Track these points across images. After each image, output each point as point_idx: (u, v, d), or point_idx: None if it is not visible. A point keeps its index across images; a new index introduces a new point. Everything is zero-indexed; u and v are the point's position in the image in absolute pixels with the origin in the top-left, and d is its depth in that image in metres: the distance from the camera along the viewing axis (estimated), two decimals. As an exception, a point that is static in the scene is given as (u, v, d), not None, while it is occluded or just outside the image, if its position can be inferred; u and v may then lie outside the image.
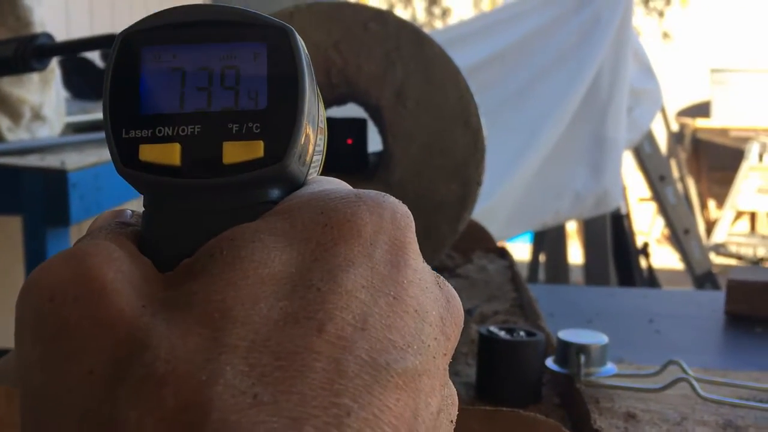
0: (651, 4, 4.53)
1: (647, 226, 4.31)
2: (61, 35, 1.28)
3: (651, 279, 2.56)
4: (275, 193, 0.24)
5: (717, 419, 0.55)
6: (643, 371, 0.62)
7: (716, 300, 0.96)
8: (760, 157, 4.11)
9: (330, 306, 0.20)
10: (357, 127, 0.73)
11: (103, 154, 1.57)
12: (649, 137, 2.39)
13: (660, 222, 4.03)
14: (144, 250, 0.23)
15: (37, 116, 1.69)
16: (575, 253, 2.93)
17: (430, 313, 0.22)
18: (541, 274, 2.76)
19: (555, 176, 2.13)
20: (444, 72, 0.65)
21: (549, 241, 2.57)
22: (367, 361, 0.19)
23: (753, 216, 4.47)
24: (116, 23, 2.38)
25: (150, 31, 0.24)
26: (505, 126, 2.06)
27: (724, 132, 4.25)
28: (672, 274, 3.55)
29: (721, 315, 0.91)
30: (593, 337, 0.59)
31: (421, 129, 0.66)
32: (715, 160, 4.63)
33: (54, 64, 1.68)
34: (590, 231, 2.39)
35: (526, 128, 2.09)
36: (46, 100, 1.65)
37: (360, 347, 0.19)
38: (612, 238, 2.37)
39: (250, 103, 0.23)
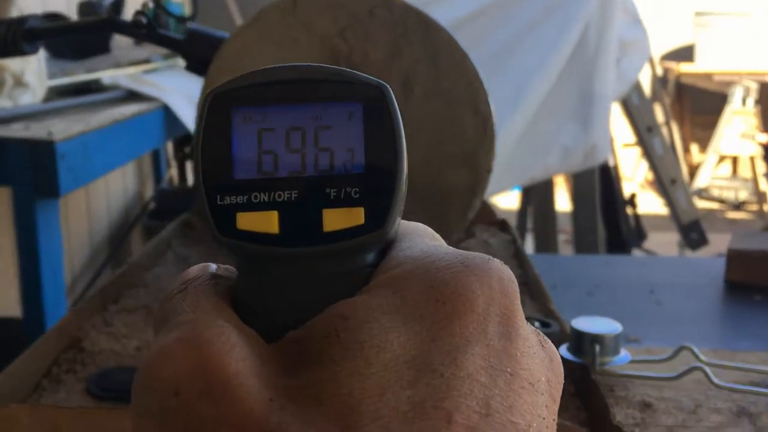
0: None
1: (631, 171, 4.33)
2: (37, 10, 1.24)
3: (638, 228, 2.58)
4: (373, 255, 0.23)
5: (730, 406, 0.56)
6: (655, 356, 0.62)
7: (715, 267, 0.97)
8: (743, 101, 4.12)
9: (454, 393, 0.20)
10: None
11: (91, 121, 1.54)
12: (637, 88, 2.38)
13: (644, 167, 4.05)
14: (243, 315, 0.22)
15: (19, 83, 1.65)
16: (563, 201, 2.95)
17: (541, 381, 0.22)
18: (530, 223, 2.77)
19: (543, 131, 2.12)
20: (452, 58, 0.64)
21: (537, 190, 2.58)
22: None
23: (735, 160, 4.50)
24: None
25: (239, 91, 0.23)
26: (491, 83, 2.04)
27: (707, 76, 4.24)
28: (657, 220, 3.58)
29: (720, 283, 0.92)
30: (607, 326, 0.60)
31: (430, 116, 0.65)
32: (699, 105, 4.63)
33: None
34: (578, 182, 2.40)
35: (514, 84, 2.07)
36: (27, 66, 1.61)
37: None
38: (600, 189, 2.38)
39: (348, 166, 0.23)
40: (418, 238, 0.24)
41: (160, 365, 0.20)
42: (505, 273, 0.22)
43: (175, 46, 0.74)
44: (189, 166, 2.87)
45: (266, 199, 0.22)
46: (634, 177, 4.36)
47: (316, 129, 0.23)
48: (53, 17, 1.97)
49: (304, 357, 0.21)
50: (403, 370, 0.20)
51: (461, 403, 0.19)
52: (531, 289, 0.80)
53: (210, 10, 2.59)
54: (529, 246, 2.80)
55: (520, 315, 0.22)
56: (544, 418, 0.21)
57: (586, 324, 0.60)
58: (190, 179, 2.88)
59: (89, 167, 1.51)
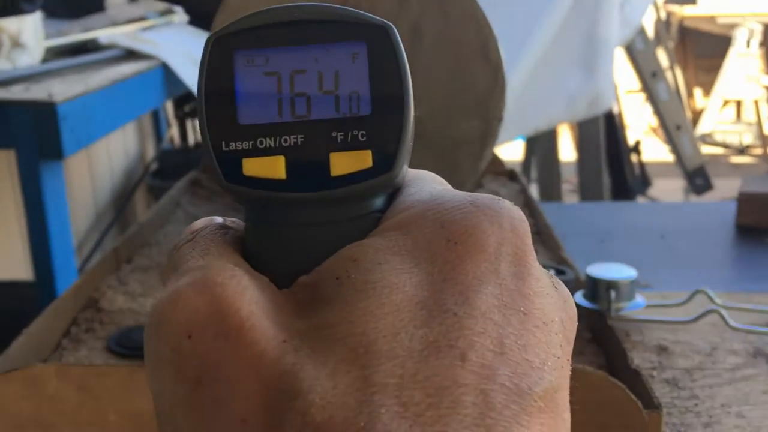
0: None
1: (635, 118, 4.31)
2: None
3: (643, 176, 2.57)
4: (381, 200, 0.23)
5: (746, 347, 0.57)
6: (670, 301, 0.63)
7: (725, 211, 0.97)
8: (748, 43, 4.07)
9: (468, 332, 0.20)
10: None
11: (90, 82, 1.53)
12: (641, 33, 2.35)
13: (648, 112, 4.02)
14: (253, 264, 0.22)
15: (16, 44, 1.63)
16: (567, 150, 2.93)
17: (555, 321, 0.21)
18: (534, 173, 2.77)
19: (547, 79, 2.09)
20: (461, 6, 0.63)
21: (541, 139, 2.56)
22: (511, 389, 0.19)
23: (739, 104, 4.46)
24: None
25: (240, 34, 0.22)
26: (495, 30, 2.02)
27: (711, 19, 4.19)
28: (662, 167, 3.57)
29: (731, 227, 0.92)
30: (622, 272, 0.60)
31: (440, 66, 0.64)
32: (702, 48, 4.58)
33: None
34: (583, 131, 2.38)
35: (518, 32, 2.05)
36: (24, 26, 1.59)
37: (502, 374, 0.19)
38: (604, 136, 2.37)
39: (353, 108, 0.22)
40: (426, 183, 0.24)
41: (172, 309, 0.20)
42: (515, 213, 0.22)
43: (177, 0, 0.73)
44: (189, 125, 2.86)
45: (272, 144, 0.22)
46: (639, 124, 4.33)
47: (321, 71, 0.22)
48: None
49: (316, 300, 0.21)
50: (416, 310, 0.20)
51: (475, 342, 0.19)
52: (542, 237, 0.80)
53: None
54: (533, 194, 2.79)
55: (532, 255, 0.22)
56: (558, 357, 0.21)
57: (600, 270, 0.60)
58: (191, 138, 2.86)
59: (91, 128, 1.50)
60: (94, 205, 2.37)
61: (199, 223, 0.25)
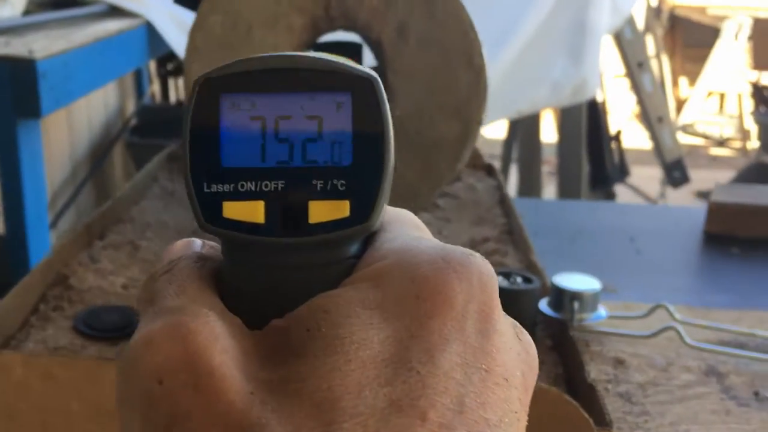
0: None
1: (619, 103, 4.32)
2: None
3: (621, 164, 2.59)
4: (355, 247, 0.24)
5: (700, 364, 0.58)
6: (631, 313, 0.64)
7: (694, 217, 0.99)
8: (736, 36, 4.09)
9: (430, 391, 0.20)
10: (352, 51, 0.71)
11: (72, 39, 1.51)
12: (630, 22, 2.35)
13: (633, 100, 4.04)
14: (227, 301, 0.23)
15: (-2, -4, 1.60)
16: (549, 132, 2.94)
17: (516, 375, 0.22)
18: (515, 153, 2.78)
19: (533, 64, 2.09)
20: (447, 9, 0.63)
21: (523, 120, 2.57)
22: None
23: (722, 96, 4.49)
24: None
25: (229, 78, 0.23)
26: (485, 12, 2.00)
27: (701, 9, 4.19)
28: (642, 154, 3.60)
29: (699, 234, 0.94)
30: (587, 283, 0.61)
31: (423, 66, 0.64)
32: (691, 37, 4.58)
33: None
34: (565, 116, 2.39)
35: (506, 14, 2.04)
36: (7, -22, 1.55)
37: None
38: (586, 123, 2.38)
39: (335, 157, 0.23)
40: (402, 228, 0.24)
41: (145, 353, 0.21)
42: (485, 269, 0.23)
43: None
44: (171, 83, 2.83)
45: (253, 188, 0.23)
46: (623, 109, 4.35)
47: (305, 118, 0.23)
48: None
49: (287, 348, 0.21)
50: (381, 367, 0.20)
51: (436, 401, 0.20)
52: (515, 238, 0.81)
53: None
54: (513, 175, 2.81)
55: (498, 311, 0.23)
56: (516, 412, 0.22)
57: (566, 281, 0.61)
58: (173, 96, 2.83)
59: (71, 87, 1.48)
60: (69, 157, 2.34)
61: (177, 250, 0.25)
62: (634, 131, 4.04)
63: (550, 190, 2.96)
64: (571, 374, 0.56)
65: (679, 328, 0.59)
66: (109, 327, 0.61)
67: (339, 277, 0.23)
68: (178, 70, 2.65)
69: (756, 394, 0.55)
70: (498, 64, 2.04)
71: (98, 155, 2.49)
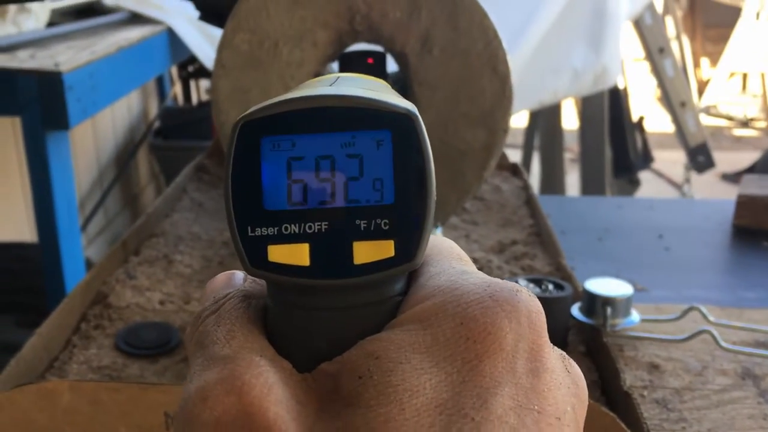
0: None
1: (641, 87, 4.28)
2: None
3: (645, 151, 2.58)
4: (400, 284, 0.24)
5: (736, 367, 0.58)
6: (664, 316, 0.64)
7: (723, 210, 0.98)
8: (757, 15, 4.02)
9: None
10: (377, 59, 0.72)
11: (96, 49, 1.53)
12: (650, 8, 2.33)
13: (655, 84, 4.00)
14: (275, 343, 0.23)
15: (22, 8, 1.62)
16: (570, 119, 2.93)
17: (567, 410, 0.22)
18: (537, 141, 2.77)
19: (554, 53, 2.08)
20: (471, 17, 0.63)
21: (545, 107, 2.55)
22: None
23: (744, 76, 4.43)
24: None
25: (268, 119, 0.23)
26: (504, 4, 2.00)
27: (722, -11, 4.13)
28: (665, 138, 3.56)
29: (728, 228, 0.94)
30: (619, 288, 0.61)
31: (448, 76, 0.65)
32: (712, 18, 4.53)
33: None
34: (586, 104, 2.38)
35: (526, 4, 2.03)
36: (29, -9, 1.57)
37: None
38: (608, 110, 2.36)
39: (377, 196, 0.22)
40: (446, 261, 0.24)
41: (201, 408, 0.21)
42: (533, 306, 0.22)
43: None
44: (193, 85, 2.85)
45: (297, 230, 0.22)
46: (644, 93, 4.31)
47: (346, 157, 0.23)
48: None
49: (339, 397, 0.21)
50: (435, 415, 0.20)
51: None
52: (543, 239, 0.81)
53: None
54: (535, 163, 2.80)
55: (548, 348, 0.23)
56: None
57: (598, 286, 0.61)
58: (194, 97, 2.85)
59: (97, 97, 1.50)
60: (96, 161, 2.37)
61: (220, 285, 0.25)
62: (657, 114, 4.00)
63: (573, 177, 2.95)
64: (606, 381, 0.56)
65: (713, 330, 0.59)
66: (149, 344, 0.63)
67: (386, 315, 0.23)
68: (199, 72, 2.66)
69: (793, 396, 0.55)
70: (519, 56, 2.03)
71: (123, 158, 2.52)
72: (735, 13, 4.11)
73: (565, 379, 0.23)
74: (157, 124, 2.66)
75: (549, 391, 0.22)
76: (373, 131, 0.22)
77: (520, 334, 0.22)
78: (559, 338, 0.61)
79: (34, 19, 1.66)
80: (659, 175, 2.93)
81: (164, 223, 0.85)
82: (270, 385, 0.21)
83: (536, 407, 0.21)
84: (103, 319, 0.66)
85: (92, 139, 2.37)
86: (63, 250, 1.51)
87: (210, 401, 0.21)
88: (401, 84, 0.70)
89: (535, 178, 2.90)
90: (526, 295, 0.23)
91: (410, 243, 0.22)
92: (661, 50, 2.39)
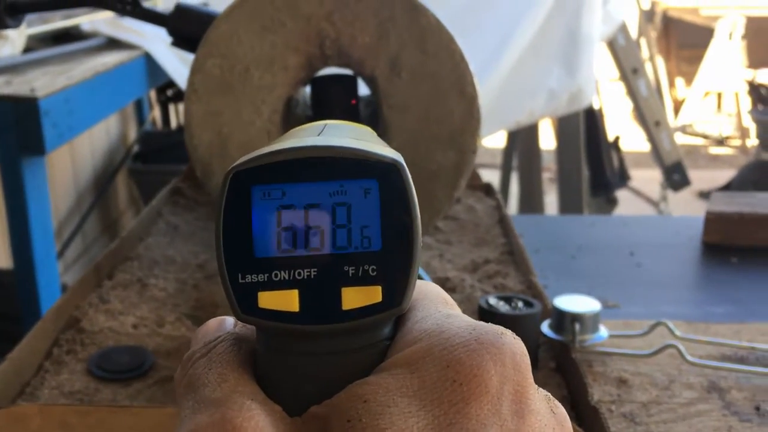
0: None
1: (616, 106, 4.34)
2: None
3: (621, 170, 2.61)
4: (388, 329, 0.24)
5: (702, 381, 0.59)
6: (632, 332, 0.65)
7: (693, 227, 1.00)
8: (730, 35, 4.10)
9: None
10: (347, 83, 0.73)
11: (72, 74, 1.53)
12: (623, 29, 2.37)
13: (629, 103, 4.05)
14: (264, 387, 0.23)
15: (-2, 34, 1.62)
16: (548, 138, 2.96)
17: None
18: (515, 161, 2.79)
19: (529, 74, 2.11)
20: (438, 41, 0.65)
21: (522, 128, 2.58)
22: None
23: (719, 95, 4.51)
24: None
25: (259, 169, 0.23)
26: (479, 25, 2.03)
27: (694, 10, 4.21)
28: (641, 156, 3.61)
29: (698, 244, 0.95)
30: (587, 305, 0.62)
31: (417, 99, 0.66)
32: (685, 38, 4.60)
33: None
34: (563, 123, 2.41)
35: (502, 26, 2.06)
36: (6, 17, 1.57)
37: None
38: (584, 130, 2.40)
39: (365, 243, 0.23)
40: (432, 305, 0.25)
41: None
42: (517, 348, 0.23)
43: (161, 22, 0.74)
44: (172, 109, 2.85)
45: (286, 277, 0.23)
46: (620, 112, 4.36)
47: (334, 206, 0.23)
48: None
49: None
50: None
51: None
52: (515, 258, 0.82)
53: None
54: (514, 183, 2.83)
55: (533, 389, 0.23)
56: None
57: (567, 303, 0.62)
58: (173, 121, 2.86)
59: (73, 122, 1.51)
60: (74, 186, 2.36)
61: (211, 330, 0.26)
62: (633, 133, 4.05)
63: (551, 197, 2.98)
64: (575, 396, 0.57)
65: (679, 345, 0.60)
66: (122, 368, 0.63)
67: (374, 360, 0.23)
68: (178, 97, 2.67)
69: (757, 408, 0.56)
70: (495, 77, 2.06)
71: (102, 183, 2.52)
72: (708, 33, 4.19)
73: (550, 420, 0.23)
74: (136, 149, 2.65)
75: None
76: (360, 180, 0.23)
77: (505, 377, 0.22)
78: (529, 355, 0.61)
79: (10, 45, 1.66)
80: (636, 193, 2.97)
81: (139, 247, 0.85)
82: (261, 429, 0.21)
83: None
84: (75, 343, 0.66)
85: (70, 164, 2.36)
86: (39, 277, 1.50)
87: None
88: (372, 107, 0.71)
89: (513, 198, 2.92)
90: (510, 338, 0.23)
91: (397, 288, 0.23)
92: (635, 71, 2.44)
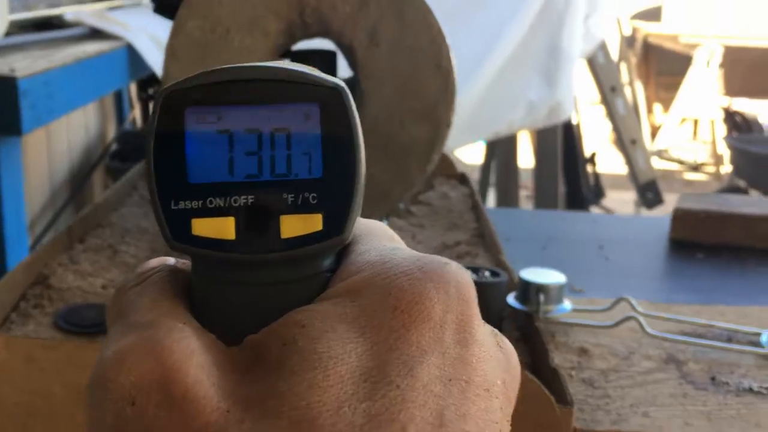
0: None
1: (596, 129, 4.39)
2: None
3: (597, 186, 2.64)
4: (329, 260, 0.23)
5: (660, 353, 0.61)
6: (595, 306, 0.66)
7: (661, 225, 1.02)
8: (708, 63, 4.18)
9: (410, 405, 0.20)
10: (327, 59, 0.74)
11: (54, 59, 1.53)
12: (603, 48, 2.41)
13: (608, 126, 4.11)
14: (200, 319, 0.22)
15: (-20, 17, 1.62)
16: (526, 157, 2.99)
17: (497, 384, 0.22)
18: (493, 178, 2.82)
19: (509, 86, 2.14)
20: (417, 14, 0.66)
21: (501, 145, 2.61)
22: None
23: (695, 122, 4.58)
24: None
25: (193, 90, 0.22)
26: (461, 34, 2.06)
27: (674, 38, 4.29)
28: (616, 179, 3.65)
29: (665, 241, 0.97)
30: (552, 277, 0.63)
31: (394, 70, 0.67)
32: (664, 65, 4.68)
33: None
34: (541, 139, 2.44)
35: (483, 37, 2.09)
36: (-11, -1, 1.57)
37: None
38: (562, 146, 2.43)
39: (305, 170, 0.22)
40: (376, 240, 0.24)
41: (117, 371, 0.20)
42: (462, 277, 0.23)
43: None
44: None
45: (222, 204, 0.22)
46: (598, 135, 4.42)
47: (273, 131, 0.22)
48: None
49: (263, 363, 0.21)
50: (360, 382, 0.20)
51: (416, 415, 0.20)
52: (485, 241, 0.83)
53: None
54: (491, 201, 2.85)
55: (477, 320, 0.23)
56: (497, 423, 0.22)
57: (532, 275, 0.63)
58: (155, 121, 2.84)
59: (52, 105, 1.50)
60: (49, 181, 2.34)
61: (151, 264, 0.25)
62: (610, 156, 4.10)
63: (527, 212, 3.00)
64: (536, 362, 0.58)
65: (640, 318, 0.61)
66: (89, 323, 0.63)
67: (314, 291, 0.23)
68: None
69: (713, 378, 0.57)
70: (475, 86, 2.08)
71: (78, 180, 2.50)
72: (686, 61, 4.27)
73: (495, 353, 0.23)
74: (114, 147, 2.64)
75: (478, 362, 0.22)
76: (301, 104, 0.22)
77: (448, 305, 0.22)
78: (493, 324, 0.62)
79: (-8, 29, 1.66)
80: (609, 212, 3.00)
81: (112, 216, 0.85)
82: (191, 351, 0.21)
83: (464, 377, 0.21)
84: (43, 299, 0.66)
85: (46, 160, 2.34)
86: (9, 263, 1.48)
87: (127, 364, 0.20)
88: (352, 85, 0.72)
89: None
90: (455, 268, 0.23)
91: (339, 217, 0.22)
92: (613, 89, 2.48)
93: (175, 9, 0.70)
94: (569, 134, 2.46)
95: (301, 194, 0.22)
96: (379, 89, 0.68)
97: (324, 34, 0.67)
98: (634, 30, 4.52)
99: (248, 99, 0.22)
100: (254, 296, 0.22)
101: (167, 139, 0.22)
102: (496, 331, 0.24)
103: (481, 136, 2.35)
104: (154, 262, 0.25)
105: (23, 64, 1.44)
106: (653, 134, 4.49)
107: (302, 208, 0.22)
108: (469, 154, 3.49)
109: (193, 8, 0.65)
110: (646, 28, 4.37)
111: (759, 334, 0.63)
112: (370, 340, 0.21)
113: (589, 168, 2.61)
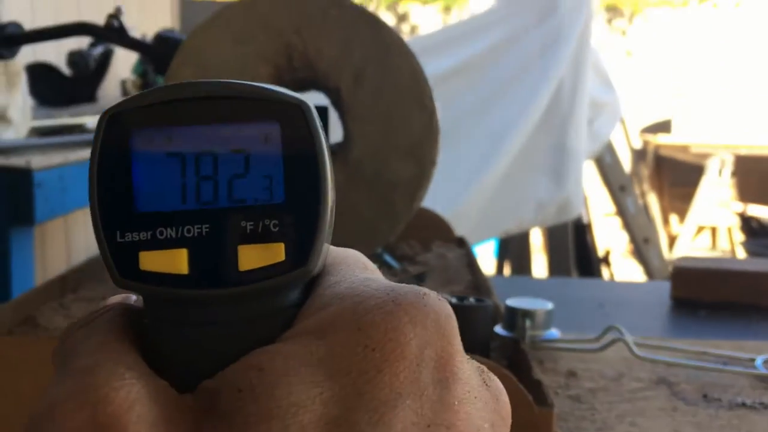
0: (614, 24, 4.65)
1: (611, 239, 4.39)
2: (26, 25, 1.30)
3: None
4: (295, 294, 0.21)
5: (651, 376, 0.59)
6: (584, 337, 0.65)
7: (664, 289, 1.01)
8: (720, 172, 4.22)
9: None
10: (319, 114, 0.76)
11: (69, 156, 1.59)
12: (610, 148, 2.46)
13: (624, 236, 4.11)
14: (153, 363, 0.20)
15: (3, 118, 1.70)
16: (540, 267, 2.98)
17: (483, 427, 0.20)
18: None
19: (518, 185, 2.18)
20: (400, 56, 0.69)
21: (513, 254, 2.62)
22: None
23: (714, 231, 4.57)
24: (83, 13, 2.38)
25: (139, 110, 0.20)
26: (469, 135, 2.12)
27: (684, 148, 4.36)
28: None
29: (667, 301, 0.95)
30: (539, 304, 0.63)
31: (379, 110, 0.69)
32: (677, 176, 4.73)
33: (20, 67, 1.70)
34: (553, 240, 2.45)
35: (490, 138, 2.15)
36: (12, 102, 1.66)
37: None
38: (574, 247, 2.43)
39: (265, 195, 0.20)
40: (347, 270, 0.22)
41: (49, 423, 0.18)
42: (441, 309, 0.20)
43: (144, 50, 0.79)
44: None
45: (174, 234, 0.20)
46: (614, 245, 4.41)
47: (229, 152, 0.20)
48: (48, 69, 2.05)
49: (216, 413, 0.19)
50: None
51: None
52: (481, 291, 0.82)
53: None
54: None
55: (460, 356, 0.20)
56: None
57: (518, 302, 0.63)
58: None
59: (66, 199, 1.54)
60: (66, 264, 2.37)
61: (107, 302, 0.23)
62: (626, 266, 4.07)
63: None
64: (519, 378, 0.56)
65: (629, 341, 0.60)
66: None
67: (277, 330, 0.20)
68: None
69: (705, 396, 0.55)
70: (485, 185, 2.12)
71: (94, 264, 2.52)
72: (698, 171, 4.31)
73: (481, 393, 0.21)
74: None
75: (461, 404, 0.20)
76: (259, 123, 0.20)
77: (426, 341, 0.19)
78: (479, 351, 0.61)
79: (13, 131, 1.73)
80: (601, 280, 2.96)
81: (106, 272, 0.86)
82: (132, 401, 0.18)
83: (444, 422, 0.19)
84: (30, 336, 0.66)
85: (64, 251, 2.38)
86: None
87: (59, 416, 0.18)
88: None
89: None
90: (434, 299, 0.20)
91: (303, 246, 0.20)
92: (623, 188, 2.50)
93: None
94: (581, 235, 2.47)
95: (261, 222, 0.20)
96: (364, 129, 0.70)
97: (311, 77, 0.70)
98: (645, 143, 4.61)
99: (201, 118, 0.20)
100: (210, 337, 0.20)
101: (112, 163, 0.20)
102: (482, 367, 0.22)
103: (491, 235, 2.37)
104: (114, 299, 0.23)
105: (39, 160, 1.49)
106: (670, 244, 4.48)
107: (262, 237, 0.20)
108: (482, 249, 3.49)
109: (187, 56, 0.69)
110: (657, 140, 4.45)
111: (753, 360, 0.61)
112: (337, 383, 0.19)
113: (604, 269, 2.60)
